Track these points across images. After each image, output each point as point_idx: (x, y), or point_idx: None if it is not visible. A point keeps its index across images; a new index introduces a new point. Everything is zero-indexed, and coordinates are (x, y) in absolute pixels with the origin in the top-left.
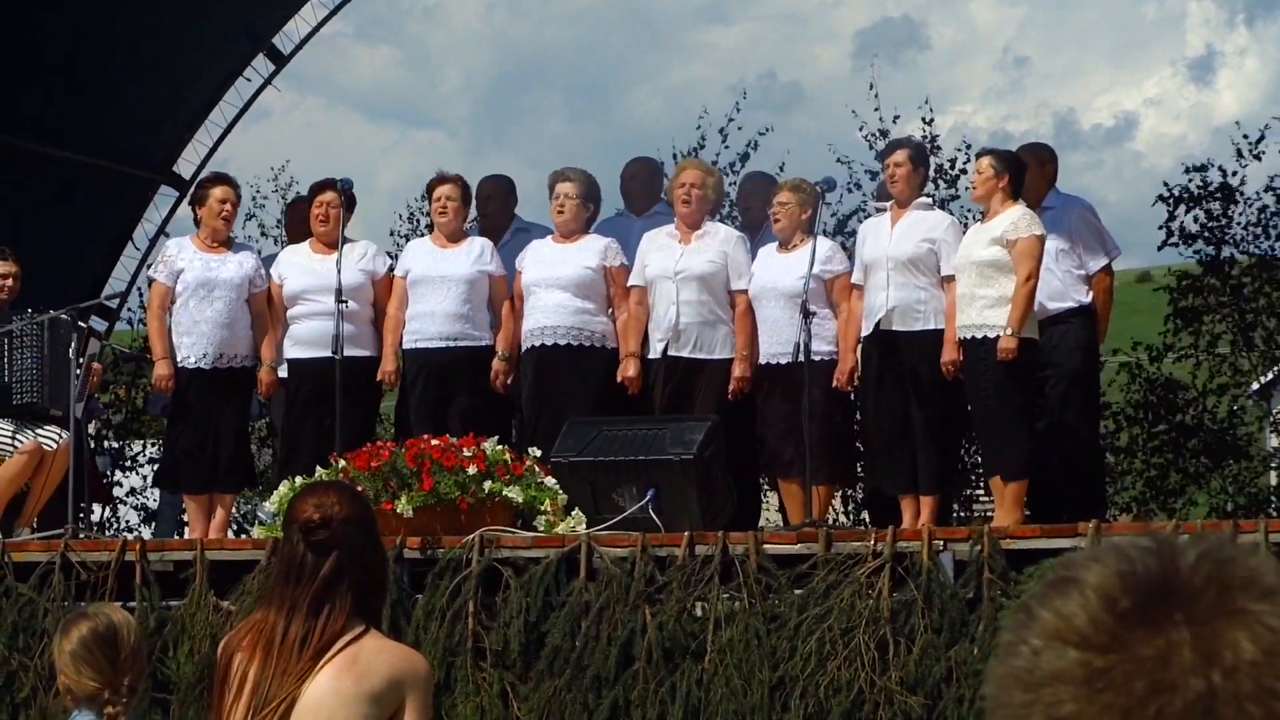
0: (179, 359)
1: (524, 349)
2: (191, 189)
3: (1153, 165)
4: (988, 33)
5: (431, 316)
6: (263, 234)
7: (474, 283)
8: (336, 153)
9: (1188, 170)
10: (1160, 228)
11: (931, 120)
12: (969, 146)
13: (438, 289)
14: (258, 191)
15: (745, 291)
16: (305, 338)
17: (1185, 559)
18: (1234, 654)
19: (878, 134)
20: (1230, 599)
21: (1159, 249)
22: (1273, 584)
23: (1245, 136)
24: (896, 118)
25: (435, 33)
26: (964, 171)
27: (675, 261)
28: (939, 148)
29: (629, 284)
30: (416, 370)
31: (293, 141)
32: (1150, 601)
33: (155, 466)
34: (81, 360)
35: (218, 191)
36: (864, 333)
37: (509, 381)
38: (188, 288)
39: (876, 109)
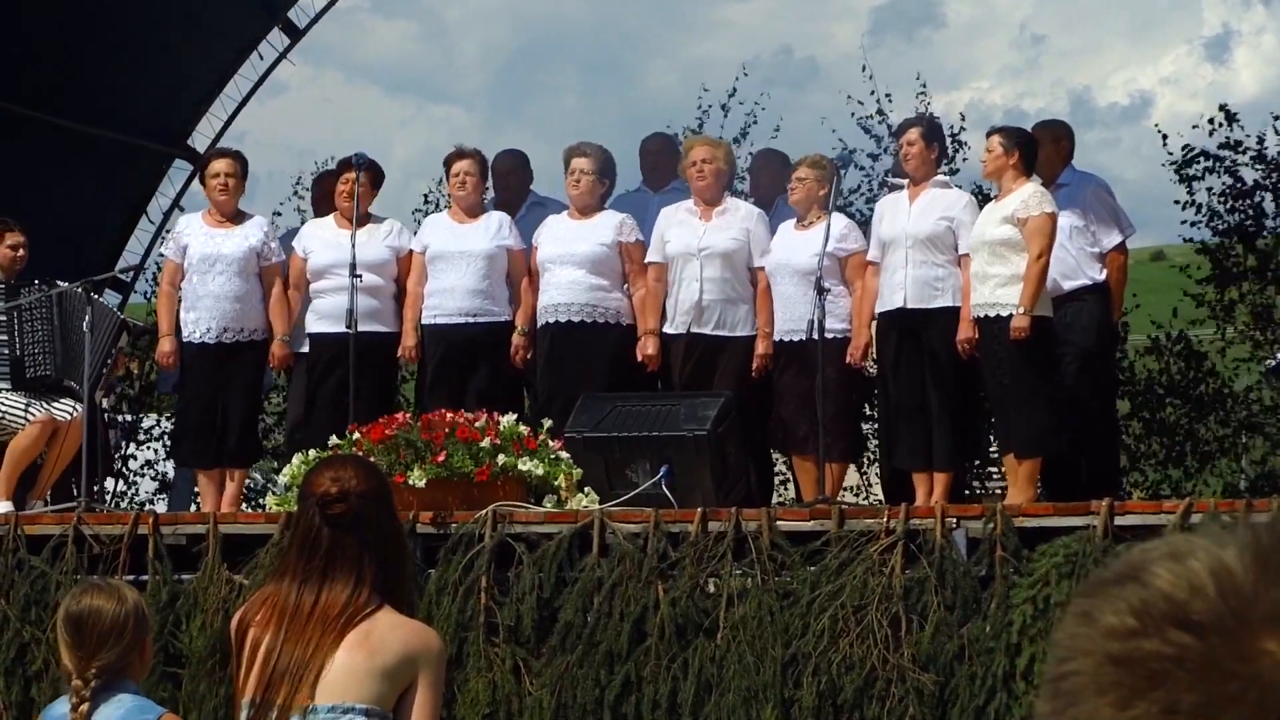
0: (184, 334)
1: (539, 325)
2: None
3: (1171, 143)
4: (1005, 9)
5: (451, 292)
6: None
7: (493, 258)
8: (353, 127)
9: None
10: (1181, 203)
11: (928, 103)
12: (962, 118)
13: (457, 265)
14: (301, 177)
15: (765, 268)
16: (329, 312)
17: None
18: None
19: (876, 115)
20: None
21: (1187, 223)
22: None
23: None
24: (889, 95)
25: (452, 6)
26: (960, 145)
27: (699, 238)
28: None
29: (647, 260)
30: (436, 346)
31: (310, 116)
32: (1262, 593)
33: (170, 439)
34: (114, 348)
35: (212, 165)
36: (881, 310)
37: (528, 356)
38: (192, 263)
39: (873, 92)
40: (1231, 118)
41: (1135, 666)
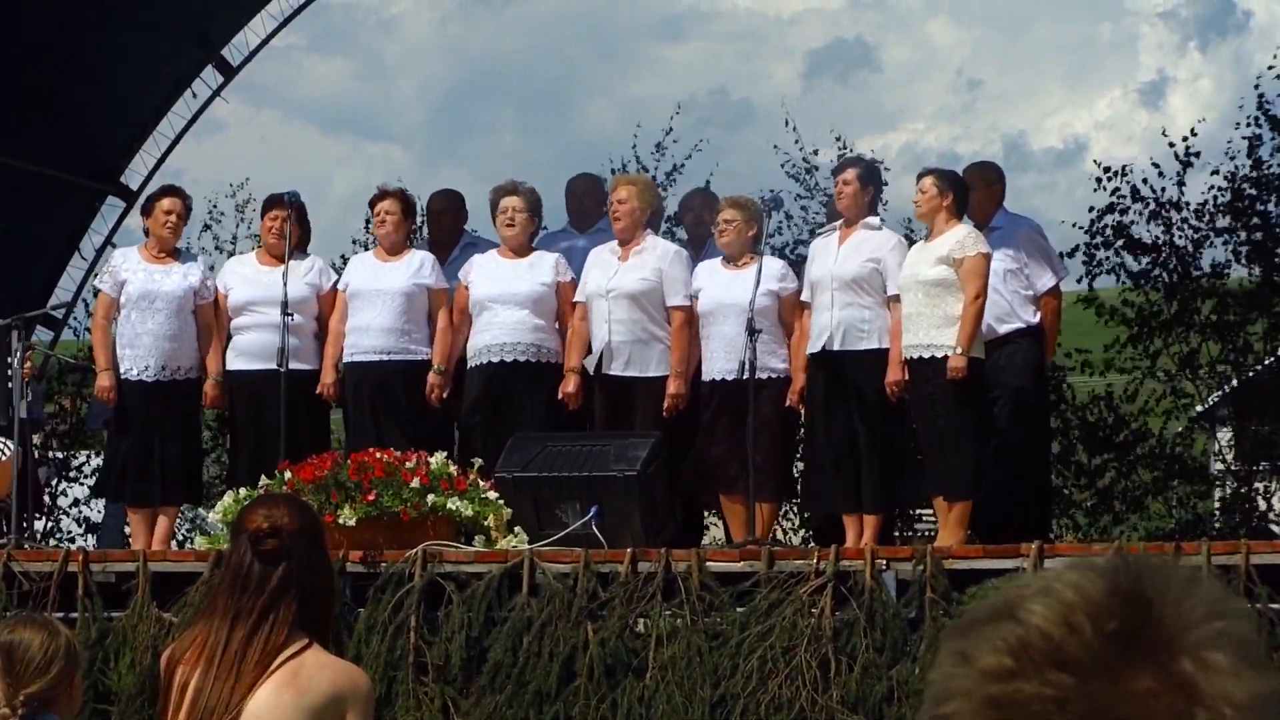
0: (122, 371)
1: (474, 364)
2: (141, 201)
3: (1106, 187)
4: (943, 54)
5: (368, 330)
6: (218, 249)
7: (411, 296)
8: (291, 165)
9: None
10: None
11: (849, 150)
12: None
13: (374, 302)
14: (214, 206)
15: (682, 308)
16: (248, 349)
17: (1165, 588)
18: (1221, 694)
19: (805, 166)
20: (1208, 634)
21: (1090, 279)
22: (1247, 617)
23: (1172, 144)
24: (816, 151)
25: (389, 44)
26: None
27: (609, 279)
28: None
29: (574, 300)
30: (354, 383)
31: (247, 154)
32: (1136, 628)
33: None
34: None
35: (163, 203)
36: (809, 351)
37: (444, 395)
38: (130, 299)
39: (797, 142)
40: (1121, 172)
41: (1015, 709)
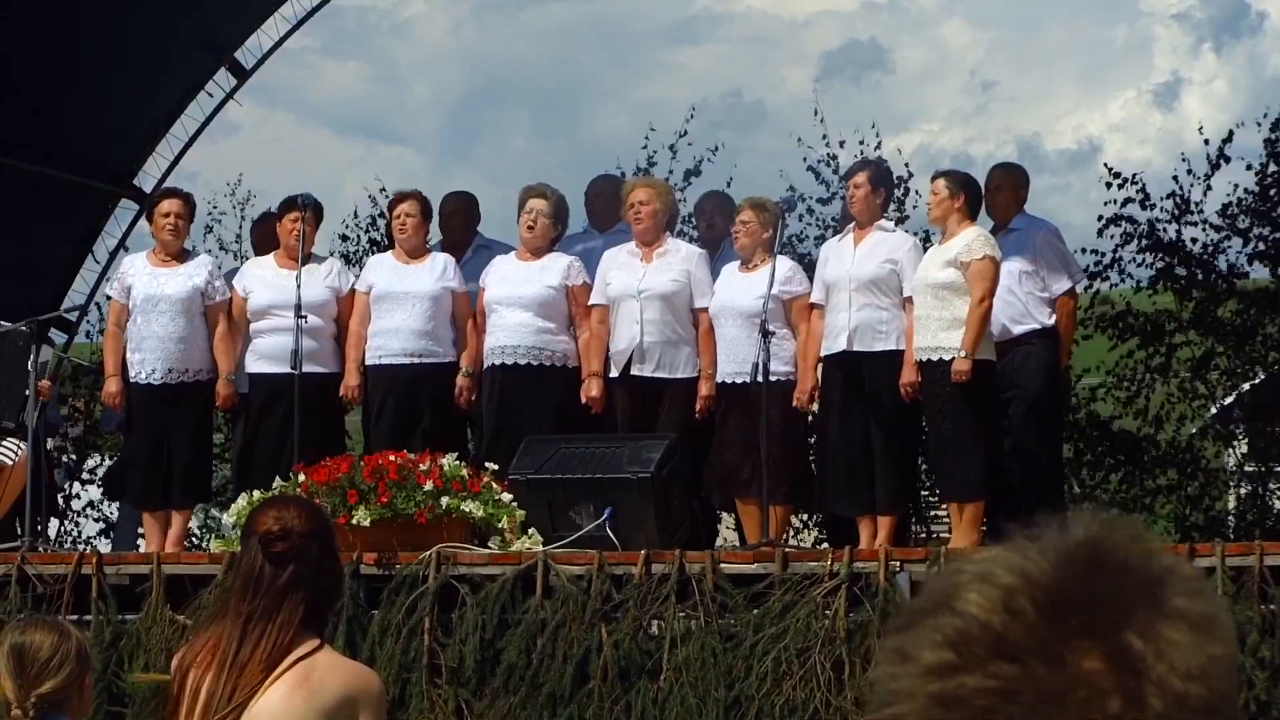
0: (130, 375)
1: (485, 367)
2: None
3: (1116, 199)
4: (957, 55)
5: (396, 333)
6: (222, 249)
7: (438, 299)
8: (305, 168)
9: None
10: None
11: (878, 146)
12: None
13: (402, 305)
14: (214, 206)
15: (708, 309)
16: (269, 352)
17: (1111, 562)
18: (1171, 667)
19: (828, 159)
20: (1158, 607)
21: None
22: (1196, 579)
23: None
24: (842, 142)
25: (403, 49)
26: (907, 191)
27: (639, 280)
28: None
29: (591, 303)
30: (380, 387)
31: (261, 156)
32: (1081, 606)
33: (106, 477)
34: (29, 367)
35: (161, 206)
36: (825, 353)
37: (473, 398)
38: (136, 304)
39: (824, 136)
40: (1131, 180)
41: (961, 706)
